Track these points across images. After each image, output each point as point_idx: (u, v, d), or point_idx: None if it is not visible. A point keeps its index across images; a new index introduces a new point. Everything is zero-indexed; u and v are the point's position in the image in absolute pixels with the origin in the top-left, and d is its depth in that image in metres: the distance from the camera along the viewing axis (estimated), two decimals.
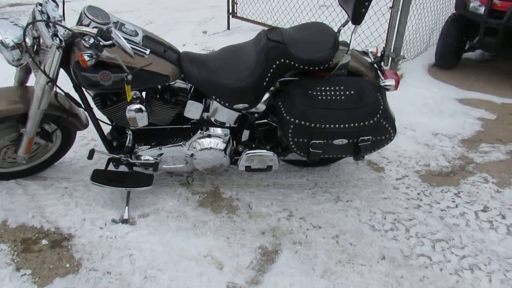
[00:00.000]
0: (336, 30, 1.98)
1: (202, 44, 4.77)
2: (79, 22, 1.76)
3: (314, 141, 1.89)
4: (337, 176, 2.44)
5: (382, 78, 1.98)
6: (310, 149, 1.92)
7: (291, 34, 1.92)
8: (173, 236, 1.99)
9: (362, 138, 1.91)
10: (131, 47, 1.67)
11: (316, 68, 1.87)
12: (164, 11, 6.36)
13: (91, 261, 1.85)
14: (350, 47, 1.90)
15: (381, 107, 1.86)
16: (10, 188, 2.25)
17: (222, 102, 1.96)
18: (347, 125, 1.84)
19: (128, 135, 2.11)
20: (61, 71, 1.84)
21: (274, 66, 1.85)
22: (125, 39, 1.73)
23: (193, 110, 2.01)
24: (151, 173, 2.14)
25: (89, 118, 2.08)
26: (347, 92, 1.86)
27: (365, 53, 2.10)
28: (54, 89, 1.89)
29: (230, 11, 5.22)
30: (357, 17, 1.77)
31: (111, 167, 2.19)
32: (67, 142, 2.33)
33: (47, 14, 1.74)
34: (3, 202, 2.15)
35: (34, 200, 2.18)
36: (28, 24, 1.61)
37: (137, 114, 1.91)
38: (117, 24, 1.80)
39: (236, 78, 1.89)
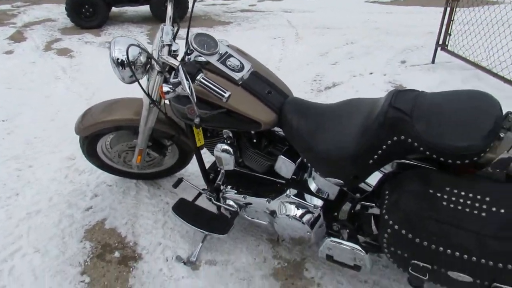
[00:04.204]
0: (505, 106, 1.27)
1: (391, 76, 4.16)
2: (186, 50, 1.65)
3: (416, 262, 1.27)
4: None
5: None
6: (410, 270, 1.30)
7: (428, 103, 1.30)
8: None
9: (498, 285, 1.17)
10: (214, 86, 1.45)
11: (450, 161, 1.23)
12: (373, 33, 5.92)
13: None
14: None
15: None
16: (128, 188, 2.41)
17: (313, 169, 1.54)
18: (474, 259, 1.16)
19: (221, 173, 1.93)
20: None
21: (389, 142, 1.30)
22: (222, 75, 1.55)
23: (283, 167, 1.66)
24: (231, 221, 1.90)
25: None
26: (494, 208, 1.16)
27: None
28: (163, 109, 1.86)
29: (440, 42, 4.39)
30: None
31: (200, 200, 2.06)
32: (183, 159, 2.33)
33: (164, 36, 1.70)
34: (114, 201, 2.31)
35: (137, 207, 2.26)
36: (129, 46, 1.59)
37: (222, 155, 1.71)
38: (222, 56, 1.61)
39: (330, 144, 1.43)
